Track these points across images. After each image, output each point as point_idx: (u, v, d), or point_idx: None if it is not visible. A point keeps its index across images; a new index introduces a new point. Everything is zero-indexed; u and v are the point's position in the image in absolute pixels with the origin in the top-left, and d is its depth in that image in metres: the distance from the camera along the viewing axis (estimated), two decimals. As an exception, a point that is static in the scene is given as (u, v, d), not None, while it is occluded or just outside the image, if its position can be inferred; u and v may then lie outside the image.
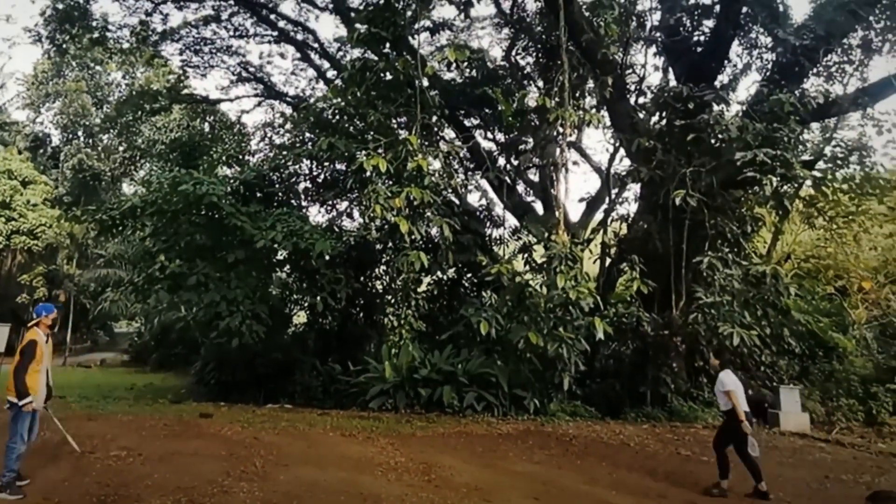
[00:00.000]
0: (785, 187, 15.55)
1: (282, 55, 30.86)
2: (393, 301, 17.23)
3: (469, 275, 21.39)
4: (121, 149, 34.49)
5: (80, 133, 43.54)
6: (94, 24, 25.28)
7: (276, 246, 16.59)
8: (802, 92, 16.87)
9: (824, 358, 17.95)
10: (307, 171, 22.01)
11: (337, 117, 19.85)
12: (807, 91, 17.10)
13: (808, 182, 17.01)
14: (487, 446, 11.53)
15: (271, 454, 9.89)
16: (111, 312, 42.01)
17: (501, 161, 23.55)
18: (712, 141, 15.87)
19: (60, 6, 23.82)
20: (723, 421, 9.49)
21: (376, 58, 18.01)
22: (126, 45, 27.39)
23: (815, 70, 18.85)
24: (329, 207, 22.64)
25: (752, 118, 15.77)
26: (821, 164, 17.50)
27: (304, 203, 22.04)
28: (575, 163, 26.23)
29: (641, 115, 19.52)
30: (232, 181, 20.49)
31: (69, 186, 39.50)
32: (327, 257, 17.44)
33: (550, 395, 15.28)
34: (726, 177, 15.51)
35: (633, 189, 19.93)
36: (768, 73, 19.22)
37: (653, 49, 21.49)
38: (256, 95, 31.35)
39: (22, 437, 7.96)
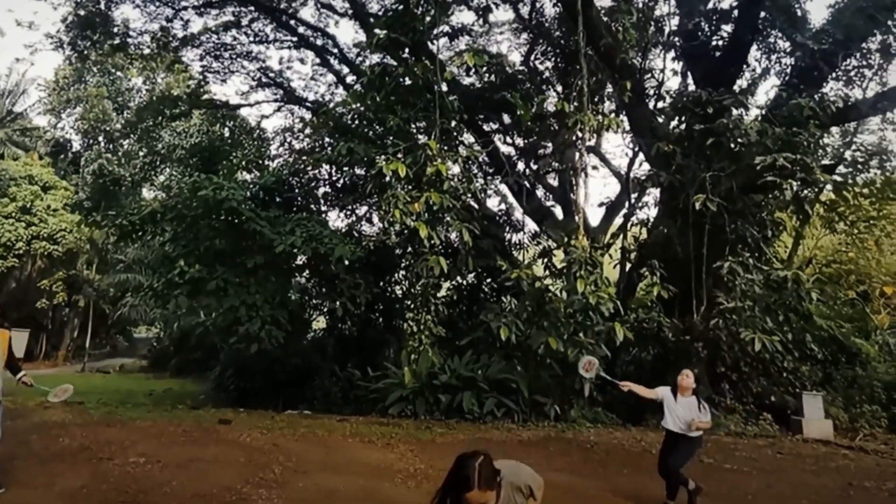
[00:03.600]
0: (805, 192, 15.47)
1: (301, 60, 31.02)
2: (412, 306, 17.15)
3: (489, 280, 21.35)
4: (141, 154, 34.61)
5: (100, 138, 43.83)
6: (116, 30, 25.47)
7: (295, 251, 16.65)
8: (822, 96, 16.75)
9: (847, 364, 17.73)
10: (326, 176, 22.15)
11: (356, 122, 19.90)
12: (826, 95, 16.99)
13: (829, 186, 16.93)
14: (507, 453, 11.37)
15: (290, 461, 9.87)
16: (130, 318, 42.45)
17: (521, 166, 23.52)
18: (732, 145, 15.76)
19: (82, 13, 23.99)
20: (686, 443, 8.59)
21: (395, 63, 18.04)
22: (147, 51, 27.57)
23: (834, 74, 18.73)
24: (348, 212, 22.74)
25: (771, 122, 15.66)
26: (841, 169, 17.44)
27: (323, 208, 22.16)
28: (594, 167, 26.21)
29: (660, 120, 19.43)
30: (251, 186, 20.66)
31: (89, 192, 39.72)
32: (346, 262, 17.46)
33: (571, 401, 15.15)
34: (746, 181, 15.43)
35: (653, 193, 19.88)
36: (787, 78, 19.10)
37: (671, 53, 21.37)
38: (276, 100, 31.38)
39: None
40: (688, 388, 8.53)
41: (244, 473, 9.02)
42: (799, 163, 13.96)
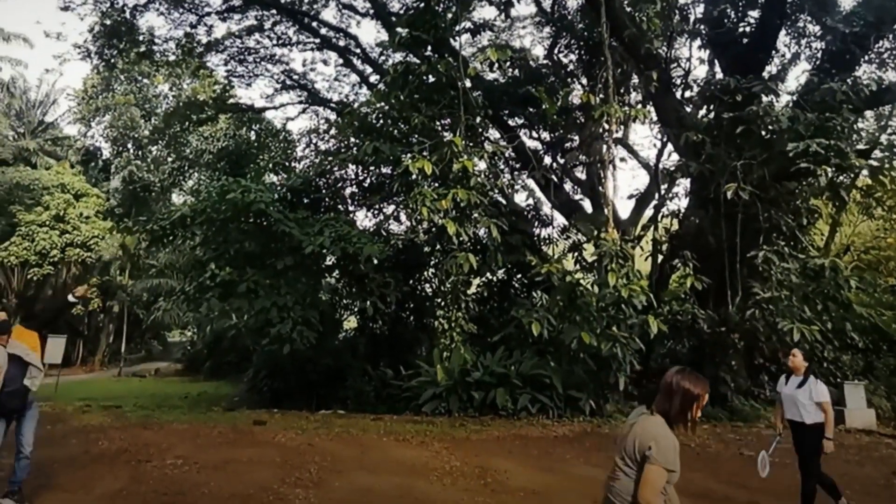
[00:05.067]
0: (840, 177, 15.18)
1: (325, 62, 31.18)
2: (443, 304, 17.10)
3: (519, 275, 21.27)
4: (169, 159, 34.88)
5: (129, 145, 44.21)
6: (141, 38, 25.66)
7: (324, 251, 16.59)
8: (854, 80, 16.38)
9: (889, 352, 17.45)
10: (353, 176, 22.08)
11: (381, 121, 19.83)
12: (859, 79, 16.63)
13: (865, 171, 16.61)
14: (543, 449, 11.40)
15: (325, 460, 9.91)
16: (164, 322, 42.88)
17: (547, 160, 23.36)
18: (762, 133, 15.55)
19: (108, 22, 24.19)
20: (805, 436, 7.83)
21: (418, 61, 18.02)
22: (172, 58, 27.73)
23: (866, 57, 18.49)
24: (376, 211, 22.74)
25: (803, 108, 15.41)
26: (877, 153, 17.09)
27: (350, 208, 22.11)
28: (622, 159, 26.08)
29: (688, 109, 19.29)
30: (279, 188, 20.68)
31: (120, 198, 40.09)
32: (375, 261, 17.41)
33: (606, 395, 15.08)
34: (779, 169, 15.20)
35: (683, 184, 19.66)
36: (818, 62, 18.89)
37: (697, 42, 21.23)
38: (301, 102, 31.60)
39: None
40: (797, 367, 7.94)
41: (280, 473, 9.08)
42: (833, 148, 13.68)
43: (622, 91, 21.36)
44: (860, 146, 16.62)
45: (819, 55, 19.33)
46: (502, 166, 22.72)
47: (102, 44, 25.07)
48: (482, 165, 17.77)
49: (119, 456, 9.98)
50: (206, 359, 38.38)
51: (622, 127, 24.02)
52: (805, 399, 7.74)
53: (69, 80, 51.02)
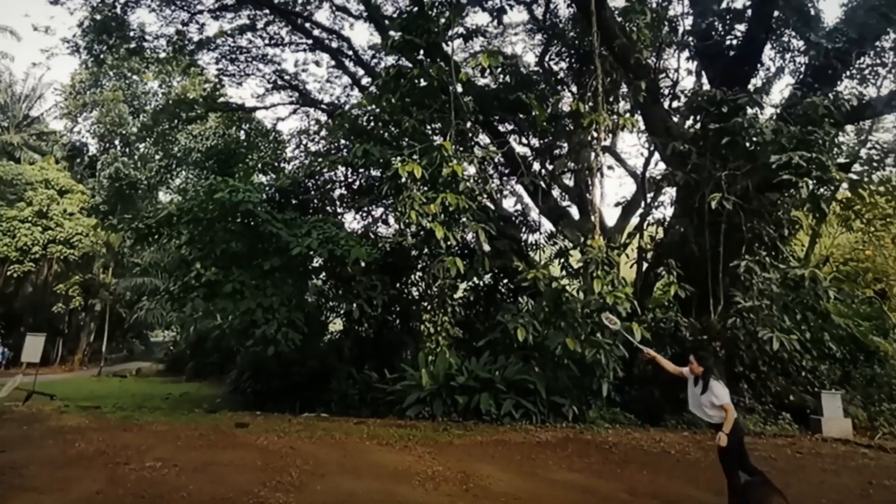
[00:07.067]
0: (821, 190, 15.45)
1: (317, 63, 31.04)
2: (429, 307, 17.09)
3: (505, 280, 21.38)
4: (157, 157, 34.77)
5: (116, 142, 44.11)
6: (132, 34, 25.62)
7: (311, 253, 16.60)
8: (836, 94, 16.70)
9: (865, 362, 17.62)
10: (342, 178, 22.19)
11: (372, 124, 19.92)
12: (840, 94, 16.94)
13: (845, 184, 16.87)
14: (526, 454, 11.45)
15: (307, 464, 9.88)
16: (147, 321, 42.68)
17: (536, 166, 23.50)
18: (747, 144, 15.77)
19: (98, 17, 24.10)
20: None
21: (410, 65, 18.07)
22: (163, 55, 27.71)
23: (848, 73, 18.75)
24: (364, 214, 22.83)
25: (786, 121, 15.68)
26: (857, 167, 17.36)
27: (339, 210, 22.20)
28: (610, 167, 26.12)
29: (675, 119, 19.47)
30: (267, 188, 20.73)
31: (105, 195, 39.91)
32: (363, 264, 17.43)
33: (589, 401, 15.13)
34: (762, 180, 15.40)
35: (669, 193, 19.83)
36: (801, 77, 19.10)
37: (685, 53, 21.42)
38: (292, 103, 31.67)
39: None
40: (695, 372, 8.31)
41: (261, 477, 9.05)
42: (814, 161, 13.91)
43: (611, 100, 21.52)
44: (840, 160, 16.87)
45: (802, 70, 19.56)
46: (491, 171, 22.82)
47: (92, 39, 24.96)
48: (471, 170, 17.88)
49: (97, 457, 9.89)
50: (188, 359, 38.27)
51: (610, 135, 24.16)
52: (706, 402, 7.96)
53: (56, 75, 51.06)
